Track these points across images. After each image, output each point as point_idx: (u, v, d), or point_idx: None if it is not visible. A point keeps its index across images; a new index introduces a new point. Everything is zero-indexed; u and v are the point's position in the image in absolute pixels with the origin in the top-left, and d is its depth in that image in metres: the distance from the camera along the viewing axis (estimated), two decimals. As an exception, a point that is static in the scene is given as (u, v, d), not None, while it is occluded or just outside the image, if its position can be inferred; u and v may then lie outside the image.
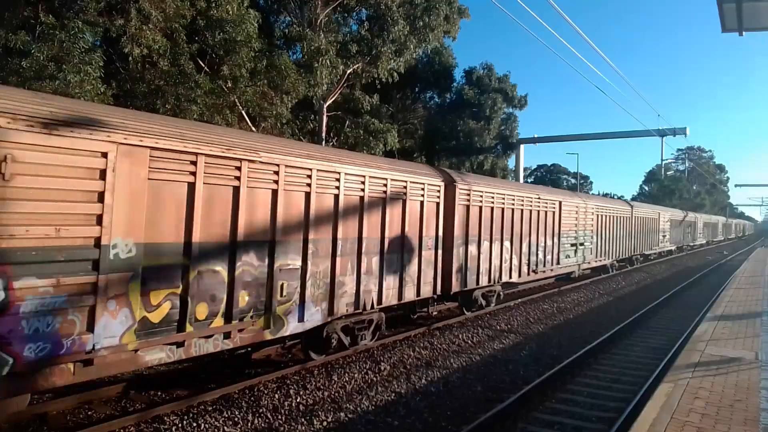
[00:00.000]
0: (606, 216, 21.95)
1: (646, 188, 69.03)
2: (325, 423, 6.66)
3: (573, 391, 8.29)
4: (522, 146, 43.15)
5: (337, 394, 7.59)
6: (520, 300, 15.77)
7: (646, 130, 38.44)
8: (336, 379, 8.12)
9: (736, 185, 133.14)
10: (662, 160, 68.39)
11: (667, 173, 73.98)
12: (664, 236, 33.20)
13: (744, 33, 7.92)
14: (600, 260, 21.64)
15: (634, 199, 60.41)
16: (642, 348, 11.29)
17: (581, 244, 19.02)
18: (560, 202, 17.11)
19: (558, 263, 17.03)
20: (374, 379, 8.34)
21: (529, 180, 63.64)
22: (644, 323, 13.95)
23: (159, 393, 7.29)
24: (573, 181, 67.00)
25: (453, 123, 32.24)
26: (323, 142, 21.42)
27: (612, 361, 10.20)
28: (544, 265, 16.06)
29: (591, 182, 77.71)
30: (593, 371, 9.45)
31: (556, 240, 16.76)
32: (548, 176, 71.06)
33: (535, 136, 45.04)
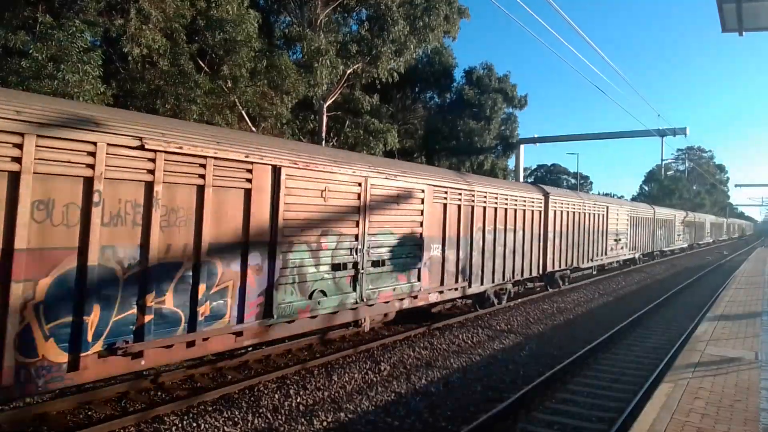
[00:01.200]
0: (462, 207, 11.72)
1: (646, 188, 69.06)
2: (325, 423, 6.66)
3: (573, 391, 8.29)
4: (522, 146, 43.14)
5: (337, 394, 7.59)
6: (519, 300, 15.76)
7: (646, 130, 38.43)
8: (336, 379, 8.12)
9: (736, 185, 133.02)
10: (662, 160, 68.50)
11: (667, 173, 74.05)
12: (617, 240, 23.35)
13: (744, 33, 7.93)
14: (445, 291, 11.31)
15: (634, 199, 60.08)
16: (642, 348, 11.29)
17: (351, 266, 8.78)
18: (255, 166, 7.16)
19: (219, 320, 6.79)
20: (374, 379, 8.34)
21: (529, 180, 63.63)
22: (644, 323, 13.94)
23: (159, 393, 7.28)
24: (573, 181, 67.03)
25: (453, 123, 32.25)
26: (323, 142, 21.43)
27: (612, 361, 10.20)
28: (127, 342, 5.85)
29: (591, 182, 77.97)
30: (593, 371, 9.44)
31: (203, 268, 6.50)
32: (548, 176, 71.14)
33: (535, 136, 45.07)
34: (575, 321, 13.97)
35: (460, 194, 11.80)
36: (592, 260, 20.34)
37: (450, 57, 33.04)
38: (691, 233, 44.71)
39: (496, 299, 13.92)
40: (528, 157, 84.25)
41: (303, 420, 6.65)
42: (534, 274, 15.62)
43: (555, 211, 16.59)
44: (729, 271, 27.99)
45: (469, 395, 7.96)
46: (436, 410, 7.29)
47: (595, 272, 22.20)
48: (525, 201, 14.84)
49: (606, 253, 21.95)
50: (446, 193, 11.29)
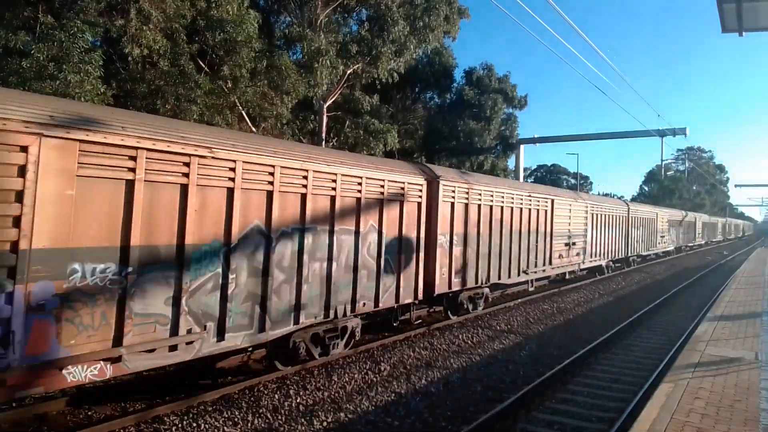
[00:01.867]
0: (191, 190, 6.21)
1: (646, 188, 69.08)
2: (325, 423, 6.66)
3: (573, 391, 8.29)
4: (522, 146, 43.18)
5: (337, 395, 7.60)
6: (520, 300, 15.75)
7: (646, 130, 38.44)
8: (336, 379, 8.12)
9: (736, 185, 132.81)
10: (662, 160, 68.61)
11: (667, 173, 74.06)
12: (570, 244, 18.75)
13: (744, 33, 7.93)
14: (129, 355, 5.64)
15: (633, 199, 59.77)
16: (642, 348, 11.29)
17: None
18: None
19: None
20: (374, 379, 8.34)
21: (529, 180, 63.59)
22: (644, 323, 13.94)
23: (159, 393, 7.28)
24: (573, 181, 67.00)
25: (453, 123, 32.25)
26: (323, 143, 21.44)
27: (612, 361, 10.20)
28: None
29: (591, 182, 77.81)
30: (593, 371, 9.45)
31: None
32: (548, 176, 71.11)
33: (535, 136, 45.13)
34: (575, 321, 13.97)
35: (188, 165, 6.22)
36: (525, 272, 15.09)
37: (450, 57, 33.04)
38: (678, 234, 39.55)
39: (318, 348, 8.61)
40: (528, 158, 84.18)
41: (303, 420, 6.65)
42: (408, 299, 10.44)
43: (453, 204, 11.64)
44: (729, 272, 27.99)
45: (469, 395, 7.97)
46: (436, 410, 7.29)
47: (532, 288, 16.77)
48: (383, 185, 9.57)
49: (551, 262, 16.54)
50: (135, 160, 5.70)
